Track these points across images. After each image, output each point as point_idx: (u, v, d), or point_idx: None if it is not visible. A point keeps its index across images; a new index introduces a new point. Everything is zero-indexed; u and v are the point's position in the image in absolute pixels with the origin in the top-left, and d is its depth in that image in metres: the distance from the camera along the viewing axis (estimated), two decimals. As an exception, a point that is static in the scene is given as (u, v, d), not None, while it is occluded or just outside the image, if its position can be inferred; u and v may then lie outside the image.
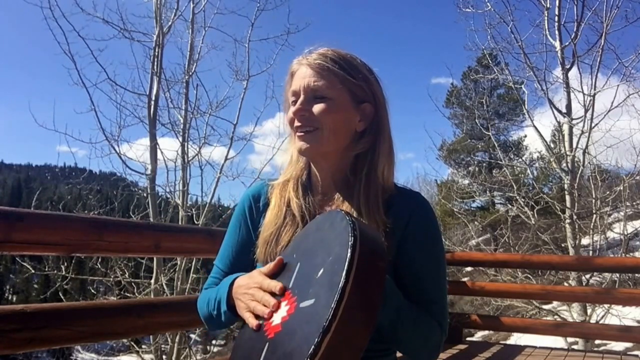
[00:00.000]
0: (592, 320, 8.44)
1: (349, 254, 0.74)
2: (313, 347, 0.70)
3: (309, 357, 0.69)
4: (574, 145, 9.07)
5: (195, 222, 7.92)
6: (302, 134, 1.05)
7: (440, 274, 1.07)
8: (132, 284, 7.83)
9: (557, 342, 9.25)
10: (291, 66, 1.12)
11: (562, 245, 11.15)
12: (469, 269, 16.09)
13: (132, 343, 7.86)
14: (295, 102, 1.07)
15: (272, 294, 0.88)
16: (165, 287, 7.33)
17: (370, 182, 1.07)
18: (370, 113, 1.09)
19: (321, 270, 0.80)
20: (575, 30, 9.14)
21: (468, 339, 5.78)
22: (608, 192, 9.45)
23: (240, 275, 1.00)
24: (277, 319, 0.84)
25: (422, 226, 1.06)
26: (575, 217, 8.87)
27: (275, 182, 1.15)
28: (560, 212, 9.49)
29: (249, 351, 0.88)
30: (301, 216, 1.07)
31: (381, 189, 1.08)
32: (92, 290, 9.54)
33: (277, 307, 0.85)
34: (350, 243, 0.76)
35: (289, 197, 1.10)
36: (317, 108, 1.04)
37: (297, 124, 1.06)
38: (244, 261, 1.13)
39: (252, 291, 0.92)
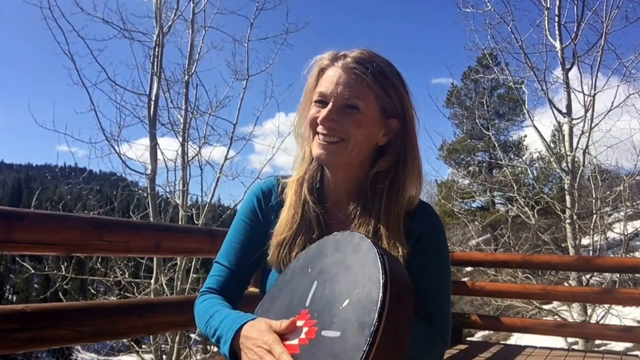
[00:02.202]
0: (592, 321, 8.44)
1: (380, 294, 0.73)
2: None
3: None
4: (574, 145, 9.07)
5: (195, 222, 7.93)
6: (325, 143, 1.02)
7: (445, 289, 1.07)
8: (132, 284, 7.83)
9: (557, 342, 9.25)
10: (321, 59, 1.06)
11: (562, 245, 11.16)
12: (469, 269, 16.08)
13: (132, 343, 7.87)
14: (320, 101, 1.03)
15: None
16: (165, 287, 7.34)
17: (392, 203, 1.04)
18: (395, 128, 1.06)
19: (346, 301, 0.78)
20: (575, 30, 9.16)
21: (468, 339, 5.78)
22: (608, 192, 9.45)
23: (248, 319, 0.91)
24: (293, 339, 0.82)
25: (433, 242, 1.07)
26: (575, 217, 8.87)
27: (289, 180, 1.11)
28: (560, 212, 9.49)
29: None
30: (317, 223, 1.05)
31: (404, 211, 1.05)
32: (92, 290, 9.55)
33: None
34: (381, 282, 0.74)
35: (304, 200, 1.07)
36: (348, 120, 1.00)
37: (322, 130, 1.02)
38: (249, 259, 1.09)
39: (260, 352, 0.84)
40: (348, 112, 1.01)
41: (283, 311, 0.89)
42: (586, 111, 8.93)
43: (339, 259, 0.86)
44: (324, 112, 1.01)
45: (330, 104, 1.01)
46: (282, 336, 0.84)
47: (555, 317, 10.05)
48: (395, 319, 0.74)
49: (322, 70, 1.06)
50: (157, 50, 8.19)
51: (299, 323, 0.83)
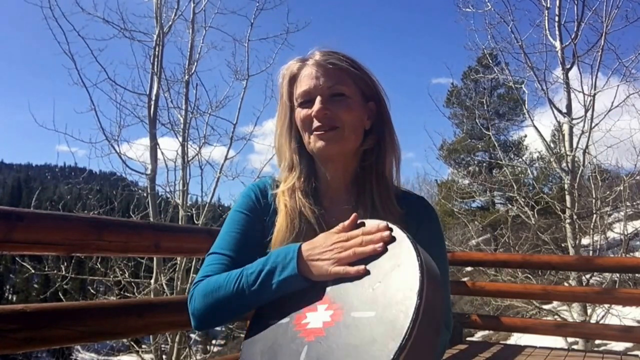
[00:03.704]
0: (592, 320, 8.44)
1: (418, 274, 0.75)
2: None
3: None
4: (574, 145, 9.07)
5: (195, 222, 7.93)
6: (321, 133, 1.04)
7: (446, 278, 1.09)
8: (132, 284, 7.83)
9: (557, 342, 9.24)
10: (289, 67, 1.10)
11: (562, 245, 11.15)
12: (469, 269, 16.09)
13: (132, 343, 7.87)
14: (305, 101, 1.06)
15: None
16: (165, 287, 7.34)
17: (380, 177, 1.09)
18: (374, 111, 1.10)
19: (377, 284, 0.79)
20: (575, 30, 9.15)
21: (468, 339, 5.78)
22: (608, 192, 9.45)
23: (298, 244, 0.92)
24: (315, 322, 0.81)
25: (431, 232, 1.09)
26: (575, 217, 8.87)
27: (279, 190, 1.10)
28: (560, 212, 9.49)
29: (275, 351, 0.84)
30: (317, 224, 1.05)
31: (391, 183, 1.10)
32: (92, 290, 9.54)
33: (393, 239, 0.82)
34: (418, 263, 0.76)
35: (300, 205, 1.07)
36: (338, 106, 1.04)
37: (316, 124, 1.04)
38: (251, 249, 1.06)
39: (335, 245, 0.87)
40: (337, 100, 1.04)
41: (302, 301, 0.87)
42: (586, 111, 8.93)
43: None
44: (315, 106, 1.03)
45: (319, 97, 1.04)
46: (302, 322, 0.83)
47: (555, 317, 10.04)
48: (432, 299, 0.75)
49: (293, 77, 1.09)
50: (157, 50, 8.19)
51: (321, 307, 0.83)
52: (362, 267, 0.82)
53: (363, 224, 0.89)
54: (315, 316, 0.82)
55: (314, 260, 0.87)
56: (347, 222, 0.90)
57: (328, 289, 0.85)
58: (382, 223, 0.85)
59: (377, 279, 0.80)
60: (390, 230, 0.84)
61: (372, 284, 0.79)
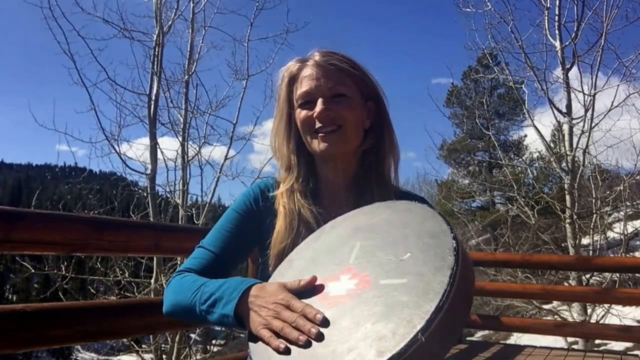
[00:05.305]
0: (592, 320, 8.44)
1: (454, 243, 0.75)
2: (425, 321, 0.66)
3: (420, 332, 0.65)
4: (574, 145, 9.07)
5: (195, 221, 7.93)
6: (323, 134, 1.04)
7: None
8: (132, 283, 7.82)
9: (557, 342, 9.25)
10: (288, 68, 1.10)
11: (562, 245, 11.16)
12: (469, 268, 16.10)
13: (132, 343, 7.86)
14: (306, 102, 1.06)
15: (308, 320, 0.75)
16: (165, 286, 7.32)
17: (379, 176, 1.10)
18: (373, 110, 1.11)
19: (408, 254, 0.78)
20: (575, 30, 9.15)
21: (468, 338, 5.78)
22: (608, 192, 9.45)
23: (255, 282, 0.86)
24: (339, 290, 0.79)
25: None
26: (575, 217, 8.87)
27: (278, 192, 1.11)
28: (560, 212, 9.49)
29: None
30: (317, 225, 1.04)
31: (390, 183, 1.12)
32: (92, 290, 9.54)
33: (320, 338, 0.72)
34: (451, 235, 0.77)
35: (299, 206, 1.07)
36: (339, 106, 1.04)
37: (318, 125, 1.04)
38: (237, 250, 1.07)
39: (275, 307, 0.79)
40: (337, 100, 1.05)
41: (323, 272, 0.85)
42: (586, 111, 8.93)
43: (389, 219, 0.88)
44: (317, 107, 1.04)
45: (320, 98, 1.05)
46: (321, 291, 0.81)
47: (555, 317, 10.05)
48: (465, 273, 0.74)
49: (292, 78, 1.09)
50: (157, 50, 8.18)
51: (344, 277, 0.81)
52: (283, 345, 0.74)
53: (321, 288, 0.81)
54: (338, 285, 0.80)
55: (253, 308, 0.82)
56: (303, 282, 0.82)
57: (351, 260, 0.83)
58: (320, 314, 0.75)
59: (407, 249, 0.78)
60: (325, 324, 0.74)
61: (402, 255, 0.78)
